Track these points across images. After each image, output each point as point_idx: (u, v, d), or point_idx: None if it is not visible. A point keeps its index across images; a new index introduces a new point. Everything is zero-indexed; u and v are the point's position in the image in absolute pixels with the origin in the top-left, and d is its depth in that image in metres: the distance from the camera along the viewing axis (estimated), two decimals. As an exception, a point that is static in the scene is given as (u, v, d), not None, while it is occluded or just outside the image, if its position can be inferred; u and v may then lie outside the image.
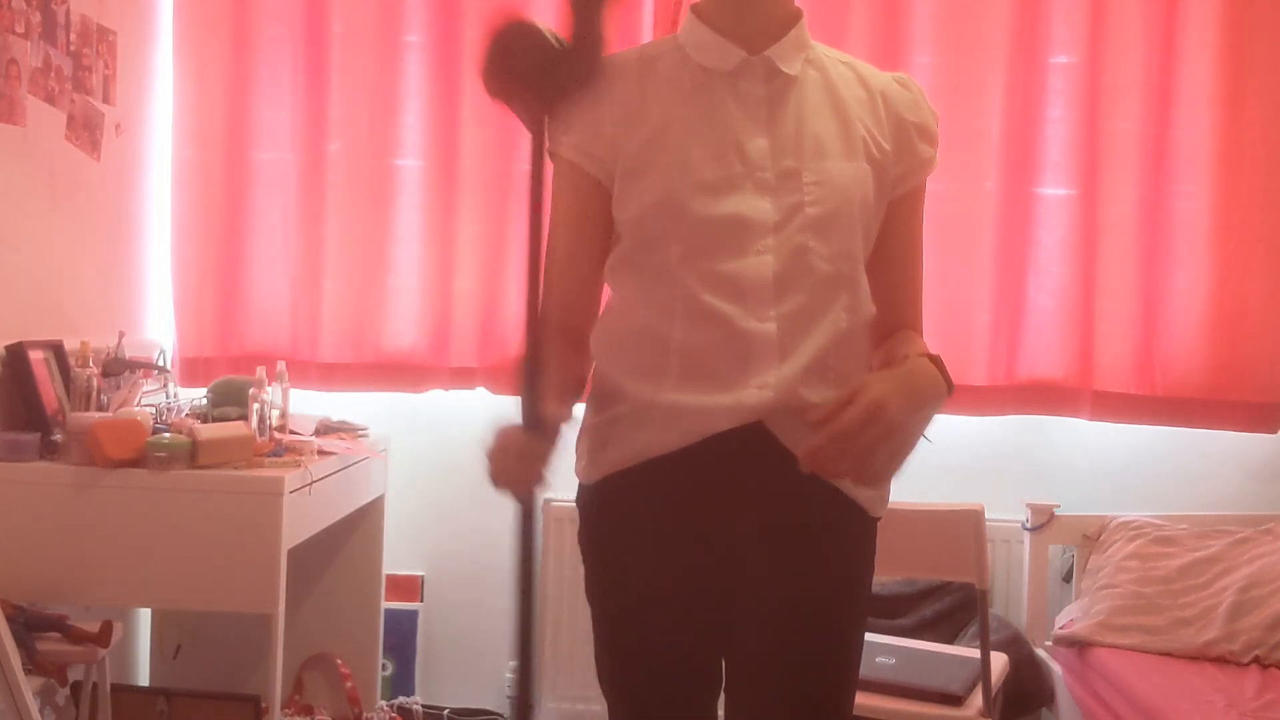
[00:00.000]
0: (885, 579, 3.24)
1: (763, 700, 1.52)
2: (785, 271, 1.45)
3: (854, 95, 1.55)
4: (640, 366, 1.50)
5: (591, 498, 1.59)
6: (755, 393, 1.44)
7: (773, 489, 1.48)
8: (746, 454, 1.46)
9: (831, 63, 1.58)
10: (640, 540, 1.53)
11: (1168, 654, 3.04)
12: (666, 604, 1.54)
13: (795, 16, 1.56)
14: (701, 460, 1.47)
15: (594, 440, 1.56)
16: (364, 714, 3.25)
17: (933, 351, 1.48)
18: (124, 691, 2.88)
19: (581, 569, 1.62)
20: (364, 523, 3.32)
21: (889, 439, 1.33)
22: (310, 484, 2.64)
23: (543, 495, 1.51)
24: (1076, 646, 3.14)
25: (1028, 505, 3.42)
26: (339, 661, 3.28)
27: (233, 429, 2.64)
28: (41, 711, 2.25)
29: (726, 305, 1.45)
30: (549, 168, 1.54)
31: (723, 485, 1.49)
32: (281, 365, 3.06)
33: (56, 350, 2.72)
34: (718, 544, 1.51)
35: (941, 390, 1.41)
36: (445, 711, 3.51)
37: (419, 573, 3.57)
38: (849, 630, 1.56)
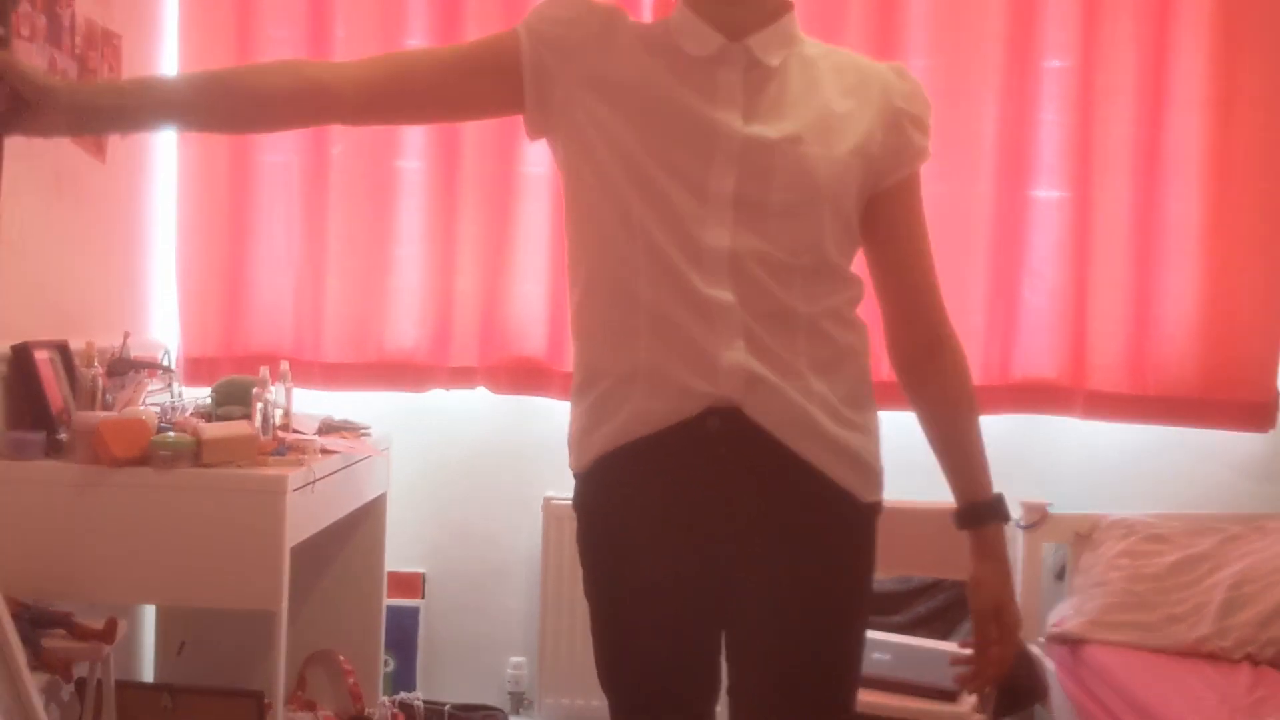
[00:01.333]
0: (880, 576, 3.23)
1: (763, 693, 1.53)
2: (741, 251, 1.44)
3: (843, 84, 1.53)
4: (615, 332, 1.50)
5: (583, 489, 1.58)
6: (728, 355, 1.43)
7: (759, 479, 1.48)
8: (728, 441, 1.46)
9: (823, 54, 1.56)
10: (632, 536, 1.53)
11: (1160, 651, 3.06)
12: (661, 600, 1.54)
13: (784, 8, 1.54)
14: (684, 449, 1.46)
15: (582, 425, 1.55)
16: (366, 709, 3.27)
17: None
18: (128, 688, 2.89)
19: (579, 565, 1.63)
20: (366, 520, 3.34)
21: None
22: (313, 482, 2.65)
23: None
24: (1069, 643, 3.16)
25: (1021, 503, 3.43)
26: (341, 658, 3.30)
27: (236, 428, 2.66)
28: (46, 707, 2.26)
29: (686, 266, 1.44)
30: None
31: (709, 475, 1.48)
32: (285, 365, 3.08)
33: (62, 350, 2.74)
34: (709, 537, 1.51)
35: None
36: (446, 707, 3.52)
37: (420, 569, 3.60)
38: (847, 621, 1.56)
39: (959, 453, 1.63)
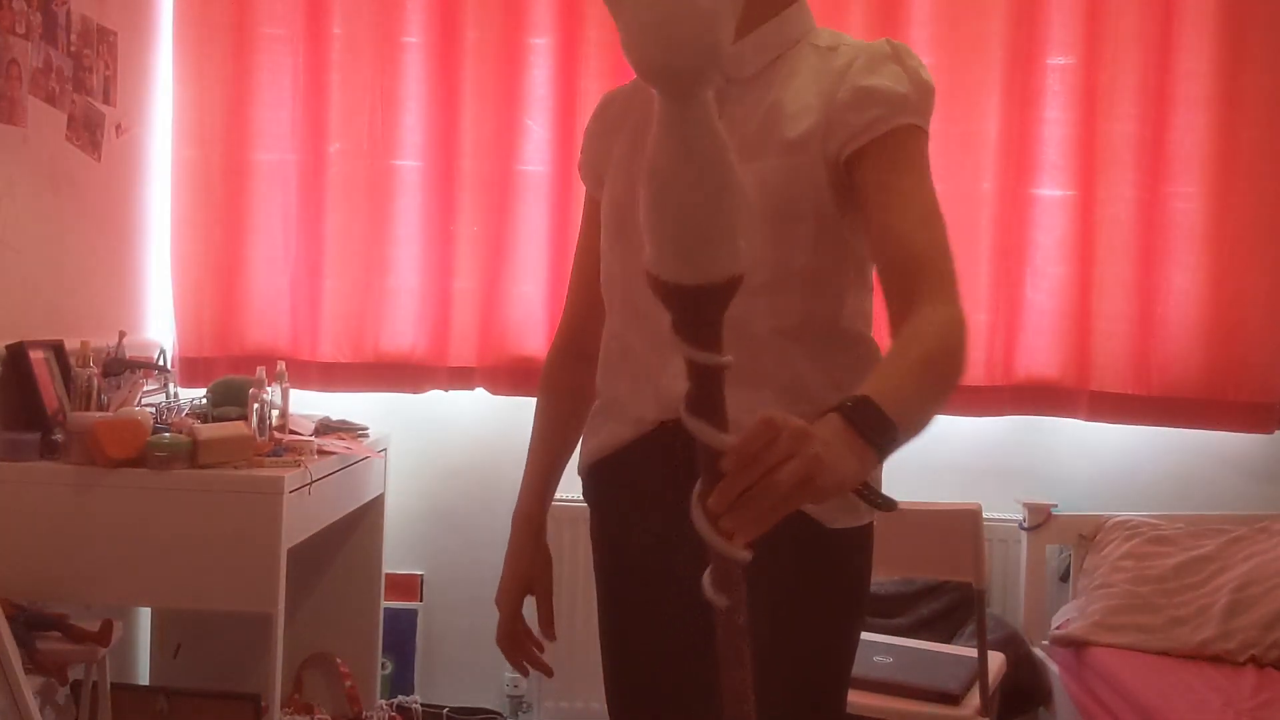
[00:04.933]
0: (883, 578, 3.25)
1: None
2: None
3: (819, 86, 1.44)
4: (608, 363, 1.59)
5: (584, 488, 1.66)
6: (674, 382, 1.30)
7: None
8: (691, 455, 1.35)
9: (819, 53, 1.47)
10: (622, 540, 1.59)
11: (1164, 653, 3.05)
12: (648, 605, 1.57)
13: (768, 13, 1.47)
14: (648, 461, 1.51)
15: (585, 430, 1.66)
16: (363, 713, 3.26)
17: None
18: (124, 690, 2.89)
19: (578, 567, 1.64)
20: (363, 522, 3.33)
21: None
22: (310, 484, 2.64)
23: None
24: (1073, 646, 3.15)
25: (1024, 505, 3.43)
26: (338, 660, 3.29)
27: (233, 429, 2.65)
28: (42, 710, 2.25)
29: (649, 304, 1.31)
30: None
31: (672, 482, 1.40)
32: (281, 365, 3.07)
33: (57, 350, 2.73)
34: (682, 546, 1.50)
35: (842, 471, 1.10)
36: (444, 710, 3.51)
37: (418, 572, 3.58)
38: (811, 643, 1.48)
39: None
